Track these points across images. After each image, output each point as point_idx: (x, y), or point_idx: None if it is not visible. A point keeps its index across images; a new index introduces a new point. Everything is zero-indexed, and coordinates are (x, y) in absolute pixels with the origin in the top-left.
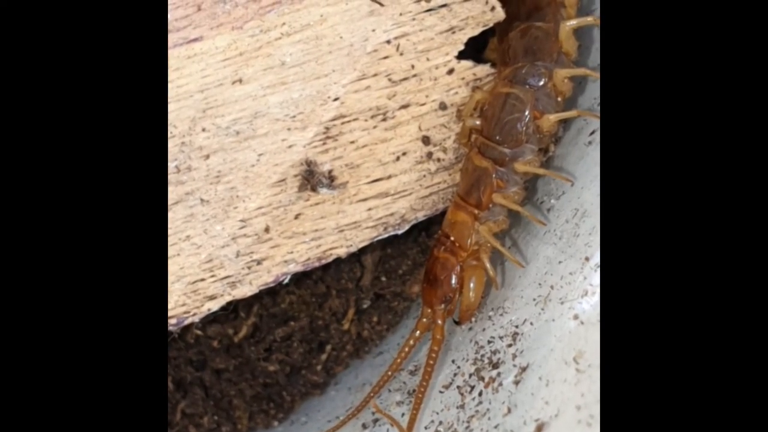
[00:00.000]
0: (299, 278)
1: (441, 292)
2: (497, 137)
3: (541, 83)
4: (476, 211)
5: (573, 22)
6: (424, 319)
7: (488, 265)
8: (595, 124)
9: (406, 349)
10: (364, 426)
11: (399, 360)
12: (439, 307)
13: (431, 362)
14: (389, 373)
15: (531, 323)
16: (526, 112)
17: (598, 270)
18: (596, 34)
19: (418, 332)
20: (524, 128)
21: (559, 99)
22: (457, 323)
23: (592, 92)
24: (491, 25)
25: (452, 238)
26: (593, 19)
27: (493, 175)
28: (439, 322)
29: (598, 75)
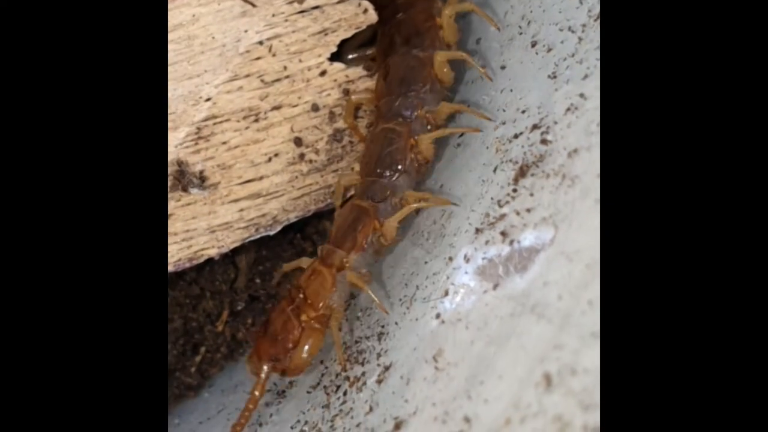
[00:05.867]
0: (173, 279)
1: (274, 350)
2: (378, 170)
3: (415, 115)
4: (345, 260)
5: (444, 54)
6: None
7: (337, 336)
8: (465, 125)
9: (247, 414)
10: None
11: (243, 421)
12: (267, 363)
13: (243, 421)
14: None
15: (396, 323)
16: (403, 142)
17: (460, 269)
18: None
19: (257, 393)
20: (403, 157)
21: (429, 128)
22: (282, 374)
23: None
24: (364, 27)
25: (304, 296)
26: (461, 55)
27: (373, 216)
28: (262, 379)
29: (467, 109)
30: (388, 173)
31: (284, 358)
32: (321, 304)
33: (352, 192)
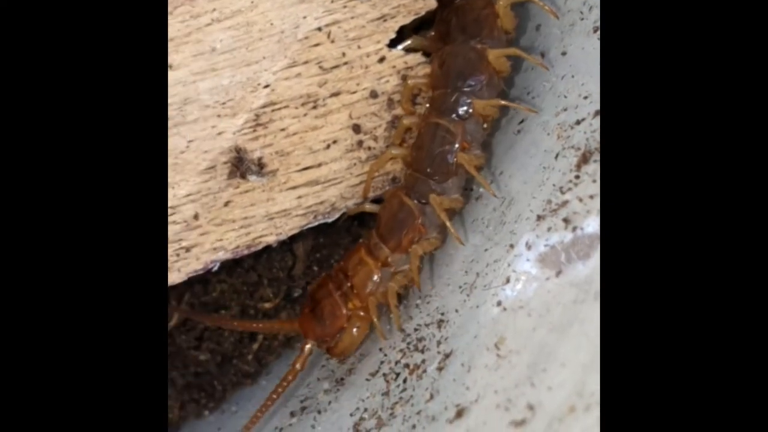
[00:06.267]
0: (230, 267)
1: (320, 332)
2: (428, 169)
3: (470, 113)
4: (389, 258)
5: (497, 52)
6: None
7: (376, 320)
8: (524, 114)
9: (284, 384)
10: (292, 414)
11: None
12: (313, 342)
13: (280, 390)
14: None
15: (456, 310)
16: (456, 145)
17: (521, 256)
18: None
19: (298, 366)
20: (454, 161)
21: (485, 126)
22: (327, 353)
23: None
24: (423, 13)
25: (351, 284)
26: (515, 51)
27: (419, 220)
28: (305, 353)
29: (516, 105)
30: (437, 177)
31: (330, 340)
32: (366, 295)
33: (409, 126)
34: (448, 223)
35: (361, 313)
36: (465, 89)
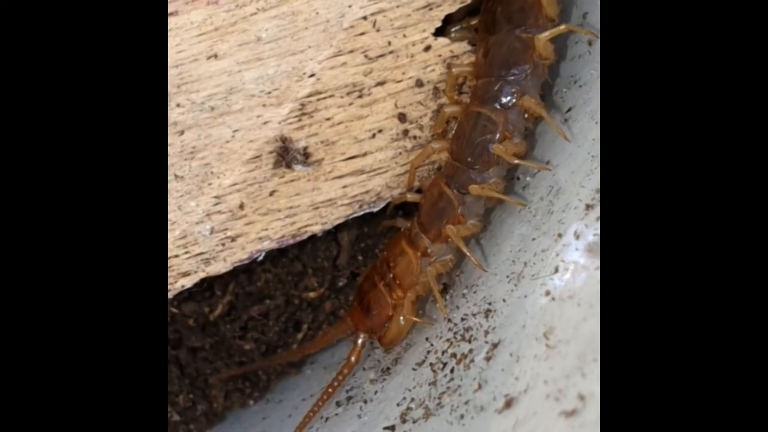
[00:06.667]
0: (275, 256)
1: (369, 323)
2: (468, 158)
3: (513, 103)
4: (428, 248)
5: (546, 34)
6: (359, 342)
7: (412, 316)
8: (572, 101)
9: (340, 378)
10: (338, 404)
11: (336, 384)
12: (364, 334)
13: (336, 384)
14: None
15: (504, 300)
16: (497, 135)
17: (570, 246)
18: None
19: (353, 359)
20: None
21: (527, 116)
22: (379, 343)
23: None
24: (469, 1)
25: (393, 275)
26: (562, 29)
27: (459, 209)
28: (358, 346)
29: (556, 128)
30: (478, 166)
31: (379, 330)
32: (408, 285)
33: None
34: (504, 197)
35: (406, 303)
36: (509, 78)
